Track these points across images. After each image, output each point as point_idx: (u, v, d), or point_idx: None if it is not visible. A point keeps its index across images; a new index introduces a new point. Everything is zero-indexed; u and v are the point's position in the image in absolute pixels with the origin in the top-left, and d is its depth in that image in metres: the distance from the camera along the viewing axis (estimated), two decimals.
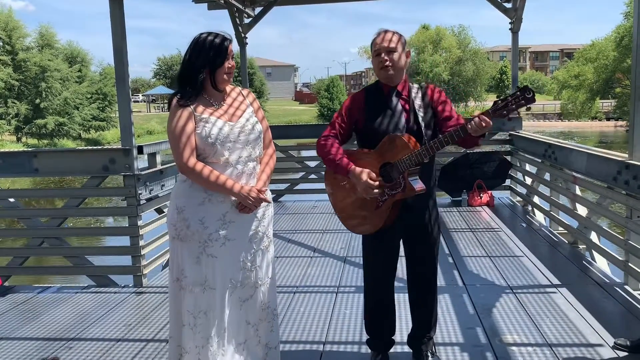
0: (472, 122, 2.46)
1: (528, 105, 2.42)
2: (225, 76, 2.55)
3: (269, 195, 2.69)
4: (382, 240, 2.85)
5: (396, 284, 3.05)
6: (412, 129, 2.71)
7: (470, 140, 2.58)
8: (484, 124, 2.43)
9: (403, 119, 2.74)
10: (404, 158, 2.61)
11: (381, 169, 2.71)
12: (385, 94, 2.79)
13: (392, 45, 2.70)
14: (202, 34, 2.55)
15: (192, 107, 2.51)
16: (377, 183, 2.66)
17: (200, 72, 2.50)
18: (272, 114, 53.62)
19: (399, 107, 2.76)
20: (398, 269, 2.97)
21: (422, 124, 2.71)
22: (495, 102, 2.48)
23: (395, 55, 2.71)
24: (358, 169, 2.69)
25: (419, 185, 2.66)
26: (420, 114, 2.72)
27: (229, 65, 2.55)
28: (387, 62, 2.70)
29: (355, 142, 2.94)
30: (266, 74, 66.19)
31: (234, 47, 2.66)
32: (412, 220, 2.83)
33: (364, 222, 2.81)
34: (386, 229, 2.78)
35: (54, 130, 35.00)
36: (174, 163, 2.59)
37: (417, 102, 2.75)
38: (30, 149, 6.02)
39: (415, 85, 2.81)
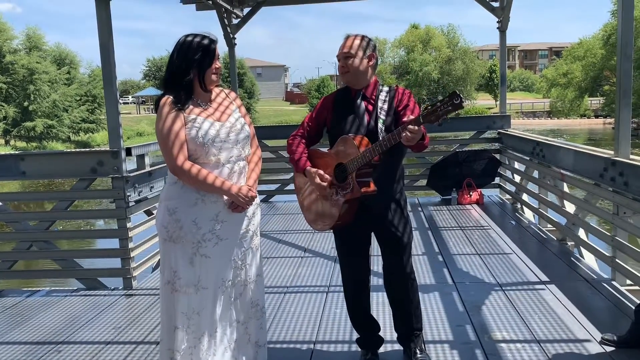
0: (403, 134, 2.48)
1: (457, 111, 2.47)
2: (213, 77, 2.57)
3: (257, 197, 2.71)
4: (346, 239, 2.96)
5: (381, 282, 3.09)
6: (372, 131, 2.75)
7: (413, 145, 2.58)
8: (414, 135, 2.47)
9: (365, 121, 2.79)
10: (352, 159, 2.67)
11: (335, 169, 2.77)
12: (352, 97, 2.86)
13: (348, 50, 2.77)
14: (187, 35, 2.55)
15: (181, 108, 2.51)
16: (326, 183, 2.76)
17: (188, 73, 2.51)
18: (263, 115, 53.59)
19: (363, 109, 2.81)
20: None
21: (382, 127, 2.73)
22: (425, 108, 2.51)
23: (351, 61, 2.77)
24: (312, 169, 2.82)
25: (366, 187, 2.70)
26: (382, 117, 2.76)
27: (217, 66, 2.55)
28: (344, 69, 2.80)
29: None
30: (256, 75, 66.04)
31: (222, 47, 2.67)
32: (373, 221, 2.88)
33: (320, 219, 2.91)
34: (348, 228, 2.86)
35: (42, 133, 34.75)
36: (164, 164, 2.60)
37: (383, 105, 2.79)
38: (17, 152, 5.98)
39: (385, 88, 2.85)
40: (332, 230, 2.96)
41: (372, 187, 2.71)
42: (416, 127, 2.46)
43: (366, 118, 2.79)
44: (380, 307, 3.69)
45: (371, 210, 2.82)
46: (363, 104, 2.82)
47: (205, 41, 2.53)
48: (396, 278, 2.96)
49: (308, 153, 2.92)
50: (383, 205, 2.84)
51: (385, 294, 3.08)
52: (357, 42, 2.79)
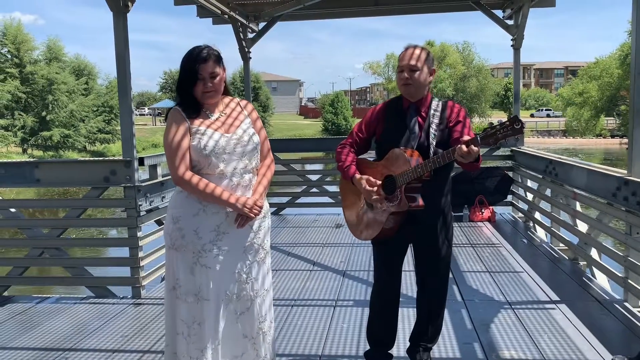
0: (457, 148, 2.48)
1: (516, 136, 2.46)
2: (202, 95, 2.53)
3: (266, 207, 2.69)
4: (385, 250, 2.94)
5: (402, 299, 3.09)
6: (423, 145, 2.75)
7: (466, 163, 2.58)
8: (467, 151, 2.45)
9: (416, 135, 2.78)
10: (402, 173, 2.65)
11: (384, 180, 2.76)
12: (404, 109, 2.84)
13: (414, 63, 2.74)
14: (194, 48, 2.54)
15: (188, 119, 2.54)
16: (375, 188, 2.75)
17: (195, 84, 2.52)
18: (277, 128, 53.82)
19: (415, 123, 2.80)
20: (404, 285, 2.99)
21: (433, 142, 2.73)
22: (485, 130, 2.50)
23: (417, 74, 2.75)
24: (359, 176, 2.82)
25: (414, 201, 2.68)
26: (433, 132, 2.75)
27: (207, 86, 2.51)
28: (408, 81, 2.75)
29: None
30: (272, 89, 66.51)
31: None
32: (418, 235, 2.88)
33: (364, 228, 2.91)
34: (390, 240, 2.86)
35: (59, 142, 35.24)
36: None
37: (434, 119, 2.78)
38: (32, 160, 6.06)
39: (437, 102, 2.84)
40: (370, 241, 2.97)
41: (421, 202, 2.69)
42: (475, 148, 2.45)
43: (417, 131, 2.78)
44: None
45: (417, 223, 2.81)
46: (415, 117, 2.80)
47: (191, 61, 2.50)
48: (431, 290, 2.98)
49: (356, 162, 2.92)
50: (430, 217, 2.83)
51: (402, 309, 3.08)
52: (423, 55, 2.77)
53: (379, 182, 2.76)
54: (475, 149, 2.45)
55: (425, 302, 3.02)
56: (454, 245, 5.87)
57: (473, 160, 2.51)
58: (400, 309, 3.09)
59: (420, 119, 2.80)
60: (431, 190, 2.75)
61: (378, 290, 3.04)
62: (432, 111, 2.79)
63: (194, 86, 2.52)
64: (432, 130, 2.75)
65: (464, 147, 2.45)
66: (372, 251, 3.06)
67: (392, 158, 2.75)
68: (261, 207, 2.61)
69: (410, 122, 2.80)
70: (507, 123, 2.45)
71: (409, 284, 4.30)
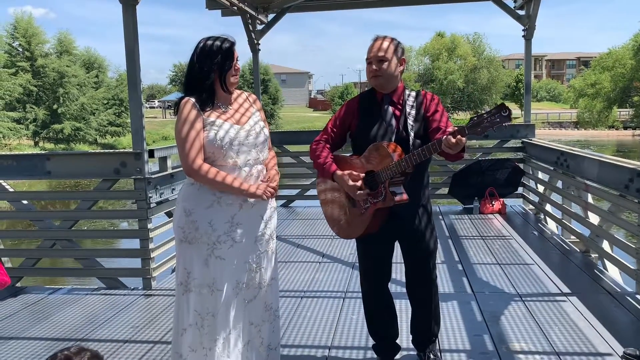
0: (444, 139, 2.42)
1: (504, 124, 2.40)
2: (232, 78, 2.59)
3: (273, 203, 2.73)
4: (370, 246, 2.89)
5: (400, 289, 3.06)
6: (402, 137, 2.70)
7: (450, 154, 2.52)
8: (456, 142, 2.40)
9: (393, 127, 2.73)
10: (385, 167, 2.61)
11: (366, 176, 2.71)
12: (379, 101, 2.79)
13: (382, 54, 2.69)
14: (207, 39, 2.57)
15: (201, 111, 2.54)
16: (359, 183, 2.68)
17: (209, 76, 2.53)
18: (286, 121, 53.86)
19: (391, 114, 2.74)
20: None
21: (411, 133, 2.68)
22: (471, 119, 2.45)
23: (386, 65, 2.69)
24: (340, 172, 2.74)
25: (399, 196, 2.65)
26: (411, 123, 2.70)
27: (236, 67, 2.58)
28: (377, 72, 2.70)
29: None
30: (281, 81, 66.43)
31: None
32: (401, 228, 2.83)
33: (347, 227, 2.84)
34: (374, 236, 2.81)
35: (70, 135, 35.51)
36: None
37: (411, 110, 2.72)
38: (43, 152, 6.10)
39: (412, 93, 2.79)
40: (355, 239, 2.92)
41: (405, 196, 2.65)
42: (463, 138, 2.39)
43: (394, 124, 2.72)
44: (397, 313, 3.66)
45: (399, 218, 2.77)
46: (390, 109, 2.75)
47: (226, 44, 2.55)
48: (420, 284, 2.94)
49: (333, 159, 2.84)
50: (411, 212, 2.80)
51: (402, 301, 3.05)
52: (391, 45, 2.70)
53: (362, 175, 2.69)
54: (463, 139, 2.40)
55: (417, 298, 2.98)
56: (464, 237, 5.93)
57: (459, 150, 2.47)
58: (404, 301, 3.07)
59: (395, 111, 2.74)
60: (411, 183, 2.71)
61: (365, 288, 3.00)
62: (407, 102, 2.73)
63: (229, 69, 2.54)
64: (409, 122, 2.69)
65: (451, 137, 2.40)
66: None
67: (372, 152, 2.67)
68: (275, 189, 2.64)
69: (385, 115, 2.74)
70: (494, 111, 2.40)
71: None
